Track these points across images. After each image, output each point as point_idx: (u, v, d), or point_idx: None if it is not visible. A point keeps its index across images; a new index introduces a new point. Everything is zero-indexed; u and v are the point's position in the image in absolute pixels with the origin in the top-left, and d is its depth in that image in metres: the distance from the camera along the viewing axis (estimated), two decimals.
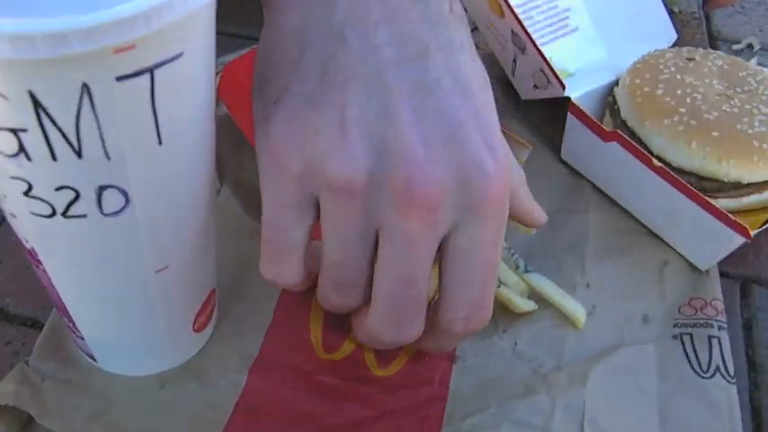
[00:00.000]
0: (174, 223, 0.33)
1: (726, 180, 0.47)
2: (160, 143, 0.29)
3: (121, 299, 0.35)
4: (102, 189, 0.29)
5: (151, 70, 0.26)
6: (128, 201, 0.30)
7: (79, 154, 0.27)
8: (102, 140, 0.27)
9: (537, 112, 0.59)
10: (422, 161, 0.29)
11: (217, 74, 0.58)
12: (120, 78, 0.26)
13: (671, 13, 0.62)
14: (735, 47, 0.70)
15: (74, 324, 0.37)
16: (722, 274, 0.48)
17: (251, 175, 0.51)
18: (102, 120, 0.26)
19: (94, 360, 0.40)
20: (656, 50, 0.55)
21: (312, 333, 0.43)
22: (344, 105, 0.30)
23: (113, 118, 0.27)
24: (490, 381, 0.41)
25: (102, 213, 0.30)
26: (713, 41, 0.72)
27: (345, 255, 0.32)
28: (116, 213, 0.30)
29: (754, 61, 0.67)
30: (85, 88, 0.25)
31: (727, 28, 0.73)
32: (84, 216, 0.30)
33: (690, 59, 0.53)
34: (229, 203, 0.48)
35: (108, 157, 0.28)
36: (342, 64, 0.30)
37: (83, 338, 0.38)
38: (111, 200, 0.29)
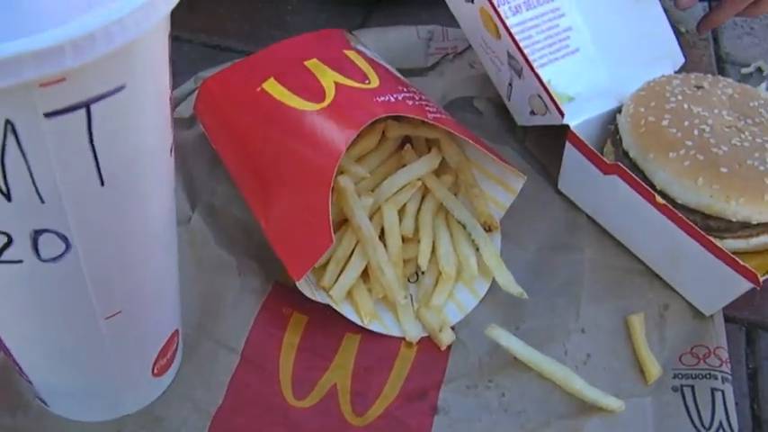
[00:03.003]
0: (124, 268, 0.30)
1: (733, 220, 0.44)
2: (102, 184, 0.26)
3: (69, 345, 0.32)
4: (37, 233, 0.26)
5: (87, 105, 0.23)
6: (68, 246, 0.27)
7: (8, 196, 0.24)
8: (34, 182, 0.24)
9: (533, 139, 0.55)
10: None
11: (194, 90, 0.55)
12: (49, 115, 0.23)
13: (677, 33, 0.58)
14: (744, 70, 0.68)
15: (20, 368, 0.34)
16: (726, 319, 0.45)
17: (225, 201, 0.48)
18: (31, 160, 0.24)
19: (46, 404, 0.37)
20: (662, 76, 0.51)
21: (281, 370, 0.40)
22: None
23: (44, 158, 0.24)
24: None
25: (40, 259, 0.27)
26: (721, 64, 0.69)
27: None
28: (55, 259, 0.27)
29: (763, 86, 0.64)
30: (9, 125, 0.22)
31: (736, 50, 0.71)
32: (20, 261, 0.27)
33: (698, 87, 0.49)
34: (201, 233, 0.45)
35: (42, 200, 0.25)
36: None
37: (31, 382, 0.35)
38: (49, 245, 0.27)
